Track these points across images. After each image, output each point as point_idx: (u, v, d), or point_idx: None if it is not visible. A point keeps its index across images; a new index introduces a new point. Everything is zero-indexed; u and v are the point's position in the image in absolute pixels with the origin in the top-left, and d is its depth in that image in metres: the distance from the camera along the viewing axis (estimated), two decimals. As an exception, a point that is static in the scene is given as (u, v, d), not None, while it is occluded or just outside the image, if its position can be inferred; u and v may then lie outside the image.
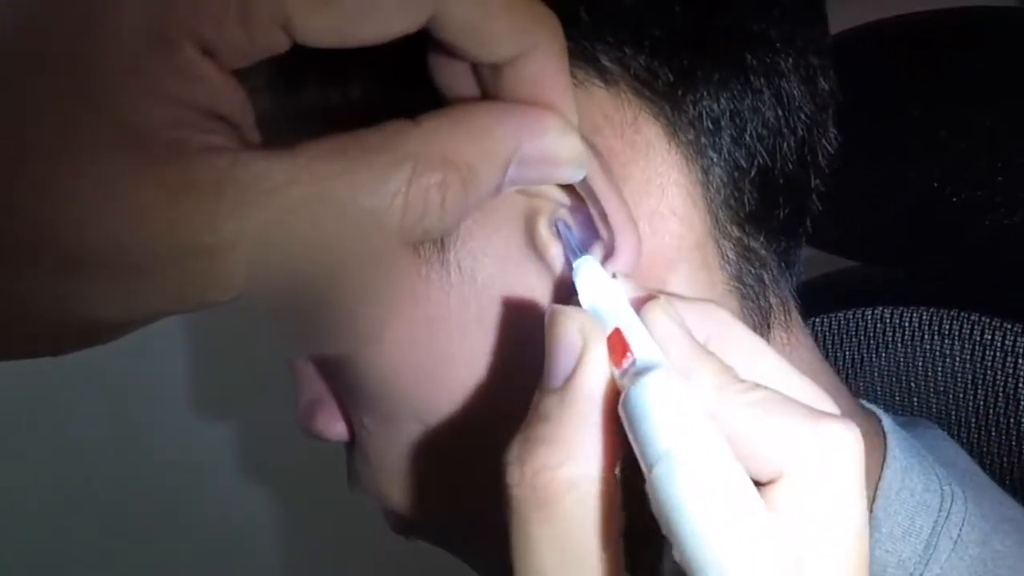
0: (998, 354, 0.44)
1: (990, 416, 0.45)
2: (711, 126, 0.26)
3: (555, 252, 0.25)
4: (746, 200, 0.27)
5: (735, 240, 0.27)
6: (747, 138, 0.26)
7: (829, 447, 0.20)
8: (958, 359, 0.46)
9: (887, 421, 0.32)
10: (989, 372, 0.44)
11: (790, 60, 0.27)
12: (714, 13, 0.26)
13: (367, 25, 0.19)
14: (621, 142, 0.25)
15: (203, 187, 0.18)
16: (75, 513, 0.75)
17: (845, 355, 0.50)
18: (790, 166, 0.27)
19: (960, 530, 0.30)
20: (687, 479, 0.18)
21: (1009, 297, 0.45)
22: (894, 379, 0.48)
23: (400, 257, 0.26)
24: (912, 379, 0.47)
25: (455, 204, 0.20)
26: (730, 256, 0.27)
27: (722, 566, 0.17)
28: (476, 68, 0.22)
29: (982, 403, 0.45)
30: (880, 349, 0.48)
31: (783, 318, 0.30)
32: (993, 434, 0.45)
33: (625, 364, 0.21)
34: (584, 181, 0.23)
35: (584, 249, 0.24)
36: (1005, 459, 0.45)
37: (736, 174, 0.27)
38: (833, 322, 0.50)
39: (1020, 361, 0.43)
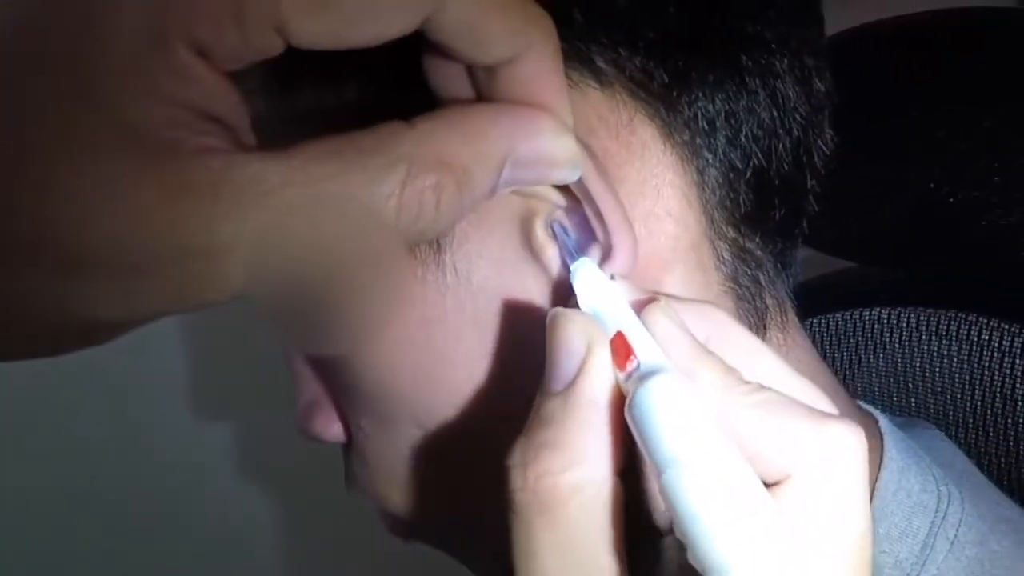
0: (995, 354, 0.44)
1: (987, 416, 0.45)
2: (706, 127, 0.26)
3: (551, 254, 0.25)
4: (742, 201, 0.27)
5: (731, 241, 0.27)
6: (742, 139, 0.26)
7: (832, 449, 0.20)
8: (955, 360, 0.46)
9: (884, 422, 0.32)
10: (986, 372, 0.45)
11: (785, 61, 0.27)
12: (709, 14, 0.26)
13: (362, 27, 0.19)
14: (616, 143, 0.25)
15: (200, 188, 0.18)
16: (74, 513, 0.75)
17: (842, 356, 0.50)
18: (785, 167, 0.28)
19: (957, 531, 0.30)
20: (699, 484, 0.18)
21: (1006, 298, 0.45)
22: (891, 380, 0.48)
23: (397, 258, 0.26)
24: (909, 380, 0.48)
25: (450, 206, 0.20)
26: (726, 257, 0.27)
27: (734, 569, 0.17)
28: (471, 70, 0.22)
29: (979, 404, 0.45)
30: (877, 350, 0.48)
31: (779, 319, 0.30)
32: (991, 434, 0.45)
33: (629, 368, 0.21)
34: (580, 182, 0.23)
35: (581, 251, 0.24)
36: (1003, 459, 0.45)
37: (731, 175, 0.27)
38: (830, 323, 0.50)
39: (1018, 361, 0.43)
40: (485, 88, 0.22)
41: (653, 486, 0.22)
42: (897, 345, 0.48)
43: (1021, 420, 0.44)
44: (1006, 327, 0.44)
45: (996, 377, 0.44)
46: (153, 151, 0.18)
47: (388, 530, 0.35)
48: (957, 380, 0.46)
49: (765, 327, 0.29)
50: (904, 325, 0.47)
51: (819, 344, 0.50)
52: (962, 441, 0.46)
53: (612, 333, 0.22)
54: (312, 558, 0.86)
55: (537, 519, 0.20)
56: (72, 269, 0.18)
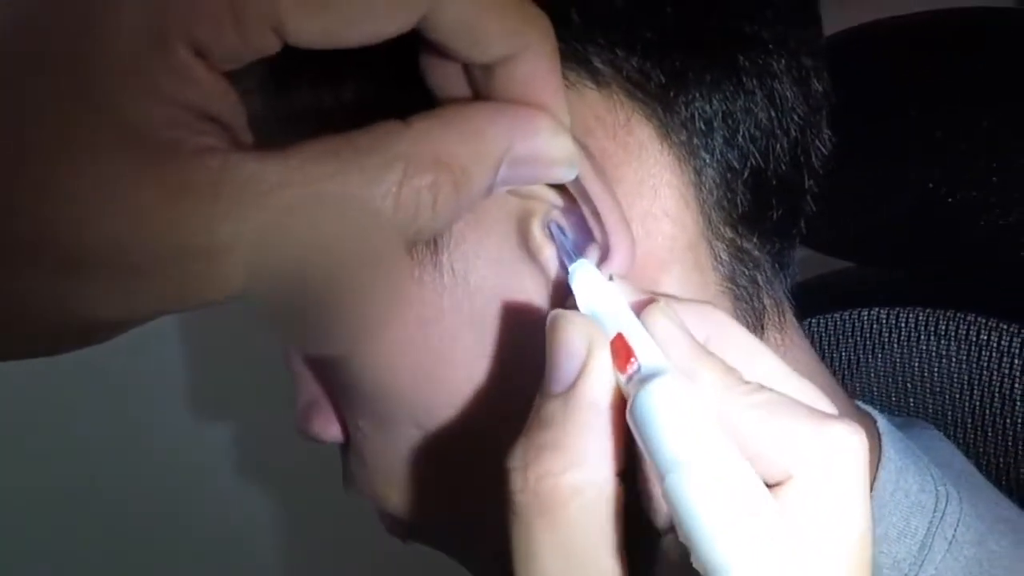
0: (994, 354, 0.44)
1: (986, 417, 0.45)
2: (703, 127, 0.26)
3: (549, 254, 0.25)
4: (739, 201, 0.27)
5: (728, 241, 0.27)
6: (740, 139, 0.26)
7: (832, 449, 0.20)
8: (954, 360, 0.46)
9: (882, 422, 0.32)
10: (985, 373, 0.45)
11: (783, 61, 0.27)
12: (706, 14, 0.26)
13: (359, 26, 0.19)
14: (613, 143, 0.25)
15: (200, 188, 0.18)
16: (74, 513, 0.75)
17: (841, 356, 0.50)
18: (783, 167, 0.28)
19: (955, 531, 0.30)
20: (702, 487, 0.18)
21: (1005, 298, 0.45)
22: (890, 380, 0.48)
23: (396, 258, 0.26)
24: (908, 380, 0.48)
25: (447, 205, 0.20)
26: (723, 257, 0.27)
27: (735, 569, 0.18)
28: (467, 69, 0.22)
29: (978, 404, 0.45)
30: (876, 350, 0.48)
31: (777, 319, 0.30)
32: (989, 435, 0.45)
33: (630, 369, 0.21)
34: (577, 182, 0.23)
35: (578, 251, 0.24)
36: (1001, 459, 0.45)
37: (729, 175, 0.27)
38: (829, 323, 0.50)
39: (1016, 361, 0.43)
40: (482, 87, 0.22)
41: (653, 487, 0.22)
42: (896, 345, 0.48)
43: (1020, 420, 0.44)
44: (1005, 327, 0.44)
45: (995, 377, 0.44)
46: (153, 151, 0.18)
47: (387, 530, 0.35)
48: (956, 380, 0.46)
49: (763, 327, 0.29)
50: (903, 325, 0.47)
51: (817, 344, 0.50)
52: (961, 441, 0.46)
53: (612, 334, 0.22)
54: (312, 558, 0.86)
55: (537, 520, 0.20)
56: (72, 269, 0.18)
